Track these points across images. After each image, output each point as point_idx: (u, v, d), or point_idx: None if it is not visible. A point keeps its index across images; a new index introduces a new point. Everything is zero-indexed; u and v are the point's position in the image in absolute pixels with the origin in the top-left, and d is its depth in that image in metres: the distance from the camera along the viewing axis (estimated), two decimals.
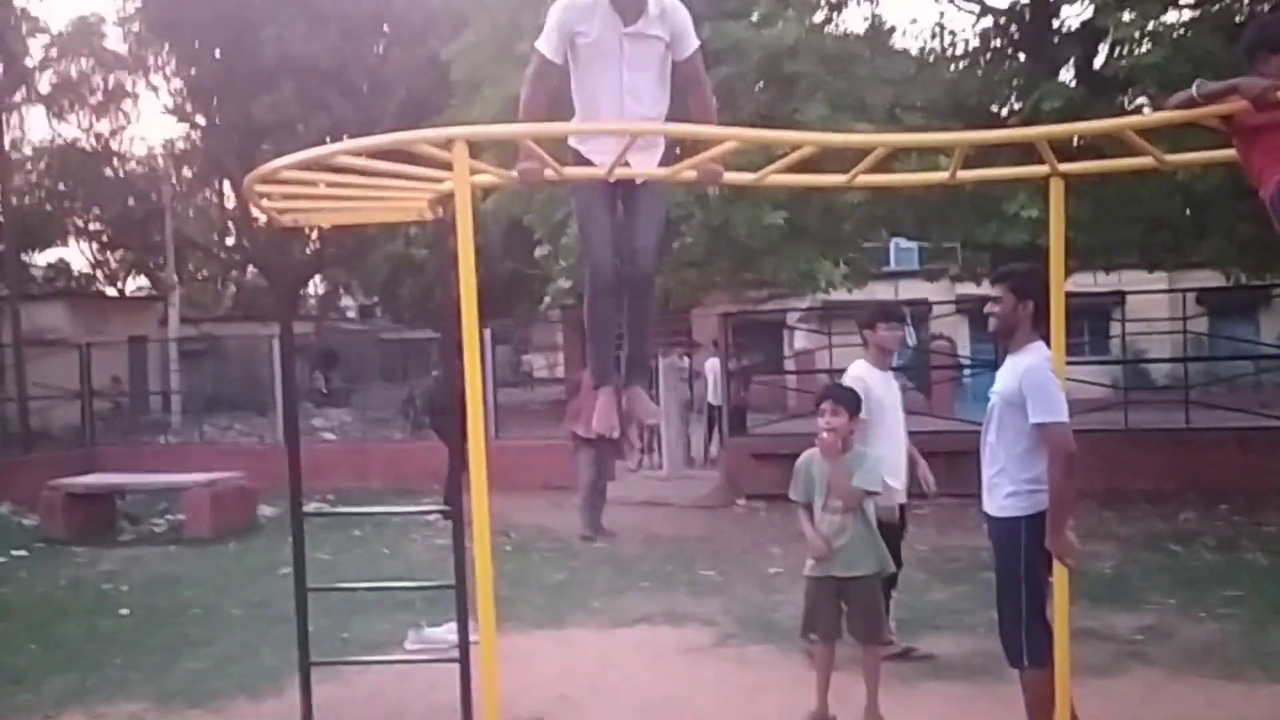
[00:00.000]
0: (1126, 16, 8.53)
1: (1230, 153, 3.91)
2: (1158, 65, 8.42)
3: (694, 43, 4.25)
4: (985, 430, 4.54)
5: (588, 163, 4.25)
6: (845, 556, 5.19)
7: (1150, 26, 8.74)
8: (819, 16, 11.08)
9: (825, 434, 5.20)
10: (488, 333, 14.80)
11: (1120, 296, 17.99)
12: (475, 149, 4.00)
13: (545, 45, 4.16)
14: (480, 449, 3.65)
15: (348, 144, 3.96)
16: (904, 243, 24.95)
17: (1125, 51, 8.71)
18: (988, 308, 4.64)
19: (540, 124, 4.03)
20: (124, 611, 8.20)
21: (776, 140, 4.36)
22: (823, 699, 5.30)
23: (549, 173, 4.12)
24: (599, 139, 4.21)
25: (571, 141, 4.37)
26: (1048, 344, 4.46)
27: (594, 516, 10.81)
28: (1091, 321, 22.74)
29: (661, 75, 4.25)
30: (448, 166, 3.85)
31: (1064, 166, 4.37)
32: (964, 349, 20.55)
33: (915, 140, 4.76)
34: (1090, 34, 10.17)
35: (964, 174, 4.57)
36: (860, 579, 5.21)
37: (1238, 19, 10.16)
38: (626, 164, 4.13)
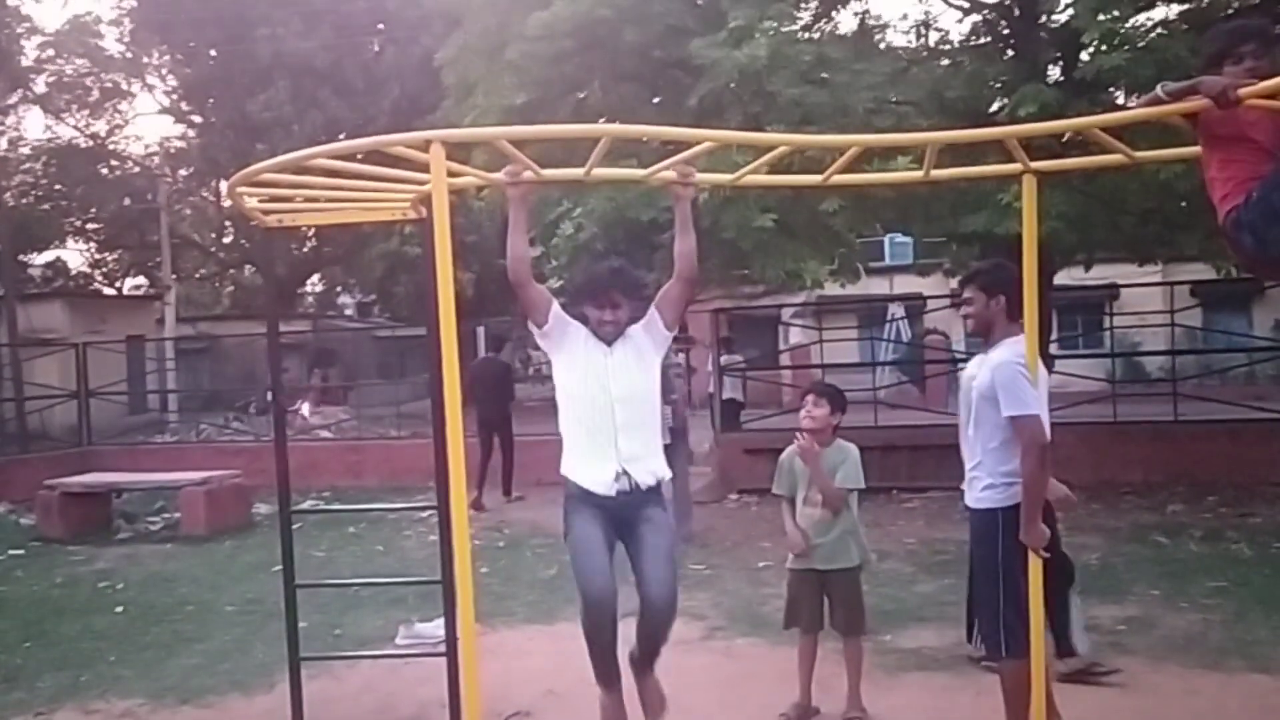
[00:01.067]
0: (1102, 16, 8.56)
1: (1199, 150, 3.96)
2: (1121, 67, 8.46)
3: (673, 298, 4.36)
4: (965, 424, 4.62)
5: (588, 492, 4.22)
6: (826, 550, 5.26)
7: (1125, 28, 8.77)
8: (806, 17, 11.12)
9: (805, 421, 5.28)
10: (480, 330, 14.89)
11: (1114, 289, 18.06)
12: (464, 150, 4.09)
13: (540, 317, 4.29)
14: (459, 446, 3.70)
15: (326, 148, 4.01)
16: (899, 237, 25.05)
17: (1102, 51, 8.73)
18: (962, 310, 4.71)
19: (517, 128, 4.10)
20: (119, 609, 8.27)
21: (751, 142, 4.42)
22: (805, 690, 5.37)
23: (528, 174, 4.19)
24: (592, 469, 4.24)
25: (565, 470, 4.34)
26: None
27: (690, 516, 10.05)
28: (1085, 314, 22.81)
29: (647, 365, 4.36)
30: (429, 168, 3.91)
31: (1036, 164, 4.43)
32: (958, 343, 20.61)
33: (887, 140, 4.83)
34: (1073, 33, 10.22)
35: (939, 172, 4.63)
36: (841, 571, 5.29)
37: (1223, 14, 10.23)
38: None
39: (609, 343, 4.29)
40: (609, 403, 4.22)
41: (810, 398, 5.34)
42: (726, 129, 9.30)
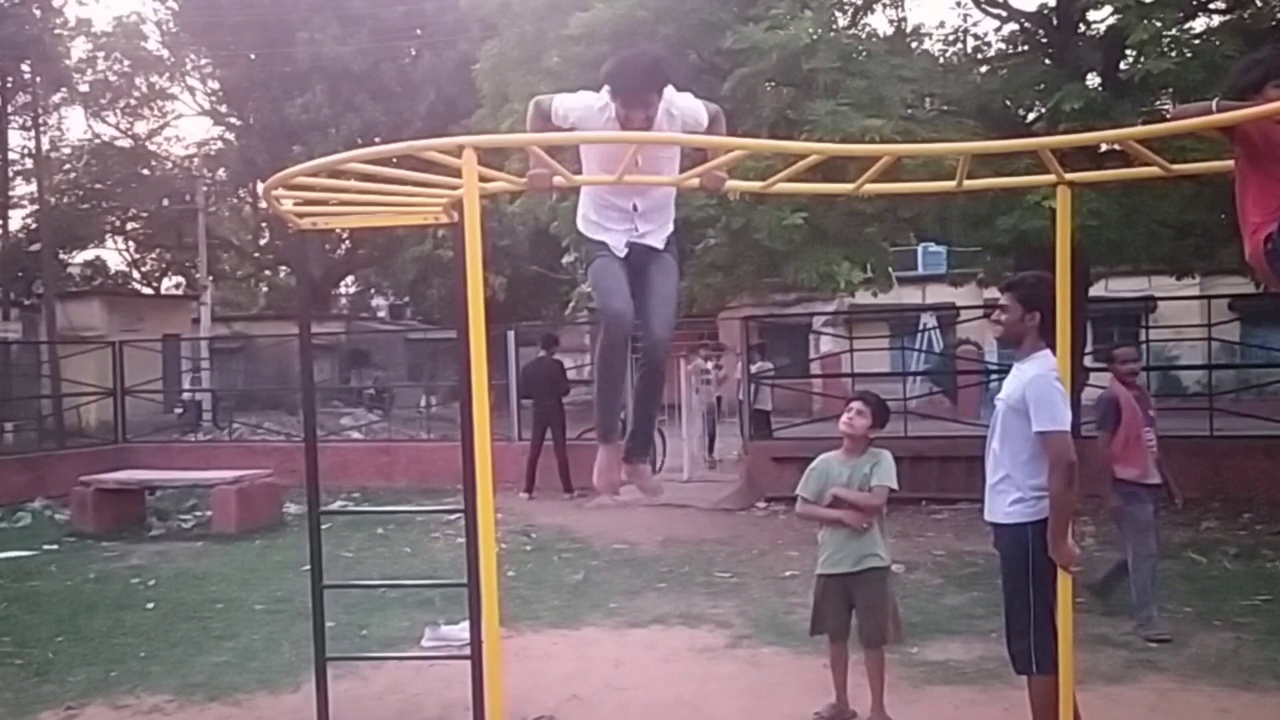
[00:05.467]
0: (1148, 24, 8.50)
1: None
2: (1173, 71, 8.39)
3: (705, 118, 4.21)
4: (990, 437, 4.57)
5: (601, 244, 4.32)
6: (853, 550, 5.24)
7: (1173, 32, 8.70)
8: (842, 20, 11.08)
9: (843, 426, 5.34)
10: (511, 334, 14.97)
11: (1151, 302, 17.87)
12: (499, 155, 4.09)
13: (556, 113, 4.14)
14: (487, 450, 3.71)
15: (361, 152, 4.04)
16: (932, 247, 24.88)
17: (1146, 56, 8.65)
18: (994, 316, 4.66)
19: (548, 134, 4.10)
20: (150, 605, 8.36)
21: (783, 149, 4.40)
22: (841, 693, 5.36)
23: (558, 179, 4.20)
24: (609, 220, 4.29)
25: (580, 225, 4.46)
26: (1054, 352, 4.48)
27: (1151, 598, 7.01)
28: (1121, 326, 22.57)
29: (672, 165, 4.30)
30: (461, 172, 3.93)
31: (1071, 175, 4.39)
32: (990, 354, 20.48)
33: (921, 150, 4.81)
34: (1115, 39, 10.14)
35: (971, 182, 4.60)
36: (866, 573, 5.27)
37: (1273, 22, 10.12)
38: (639, 173, 4.20)
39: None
40: (629, 192, 4.25)
41: (856, 405, 5.36)
42: (761, 123, 9.30)
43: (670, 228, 4.44)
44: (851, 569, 5.28)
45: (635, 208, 4.28)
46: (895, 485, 5.32)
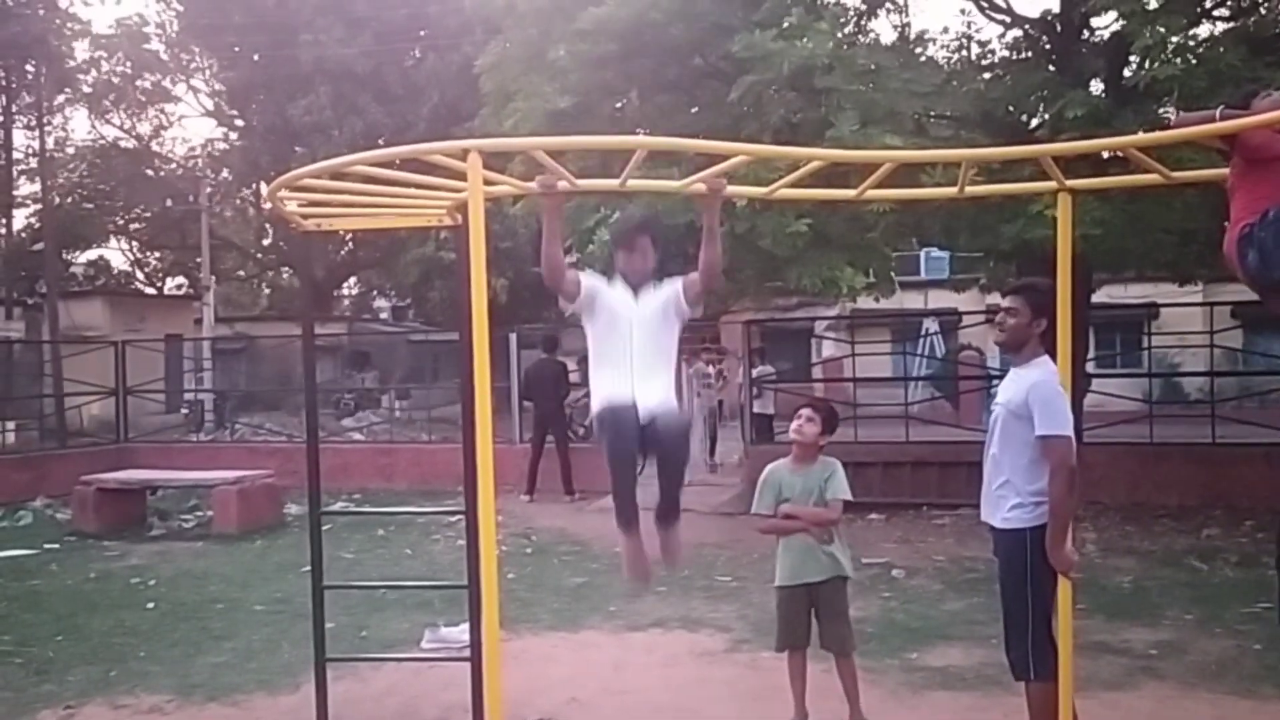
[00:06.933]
0: (1152, 30, 8.51)
1: None
2: (1177, 78, 8.41)
3: (700, 287, 4.38)
4: (988, 442, 4.57)
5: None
6: (818, 561, 5.22)
7: (1178, 39, 8.72)
8: (849, 27, 11.10)
9: (793, 434, 5.32)
10: (513, 336, 14.97)
11: (1153, 309, 17.88)
12: (501, 158, 4.10)
13: (574, 279, 4.33)
14: (488, 452, 3.72)
15: (365, 154, 4.05)
16: (935, 252, 24.90)
17: (1150, 63, 8.67)
18: (1000, 317, 4.63)
19: (553, 138, 4.12)
20: (150, 605, 8.37)
21: (785, 156, 4.41)
22: (801, 704, 5.35)
23: (563, 184, 4.21)
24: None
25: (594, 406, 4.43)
26: (1054, 360, 4.48)
27: None
28: (1124, 333, 22.58)
29: (667, 323, 4.40)
30: (466, 175, 3.94)
31: (1072, 182, 4.39)
32: (992, 360, 20.47)
33: (923, 156, 4.78)
34: (1118, 45, 10.15)
35: (974, 189, 4.60)
36: (835, 580, 5.25)
37: (1276, 30, 10.11)
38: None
39: (635, 292, 4.36)
40: (629, 351, 4.29)
41: (805, 412, 5.34)
42: (766, 129, 9.31)
43: (673, 404, 4.43)
44: (817, 579, 5.23)
45: (634, 360, 4.29)
46: (850, 497, 5.27)
